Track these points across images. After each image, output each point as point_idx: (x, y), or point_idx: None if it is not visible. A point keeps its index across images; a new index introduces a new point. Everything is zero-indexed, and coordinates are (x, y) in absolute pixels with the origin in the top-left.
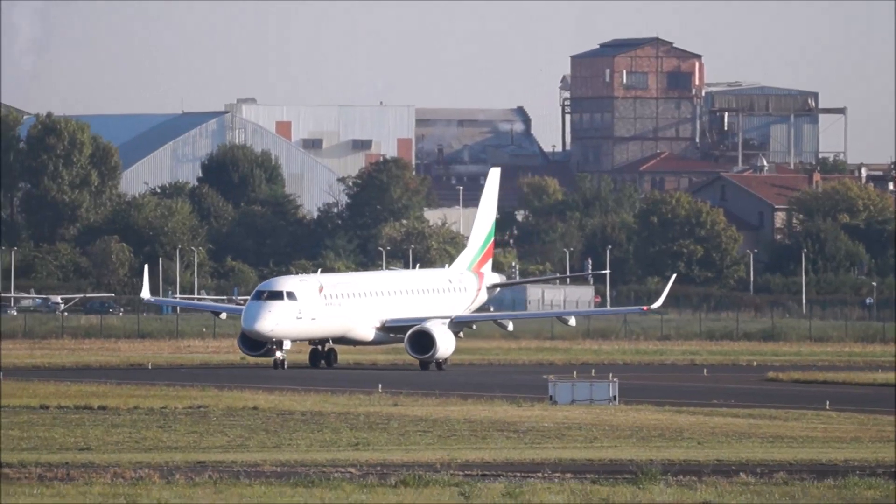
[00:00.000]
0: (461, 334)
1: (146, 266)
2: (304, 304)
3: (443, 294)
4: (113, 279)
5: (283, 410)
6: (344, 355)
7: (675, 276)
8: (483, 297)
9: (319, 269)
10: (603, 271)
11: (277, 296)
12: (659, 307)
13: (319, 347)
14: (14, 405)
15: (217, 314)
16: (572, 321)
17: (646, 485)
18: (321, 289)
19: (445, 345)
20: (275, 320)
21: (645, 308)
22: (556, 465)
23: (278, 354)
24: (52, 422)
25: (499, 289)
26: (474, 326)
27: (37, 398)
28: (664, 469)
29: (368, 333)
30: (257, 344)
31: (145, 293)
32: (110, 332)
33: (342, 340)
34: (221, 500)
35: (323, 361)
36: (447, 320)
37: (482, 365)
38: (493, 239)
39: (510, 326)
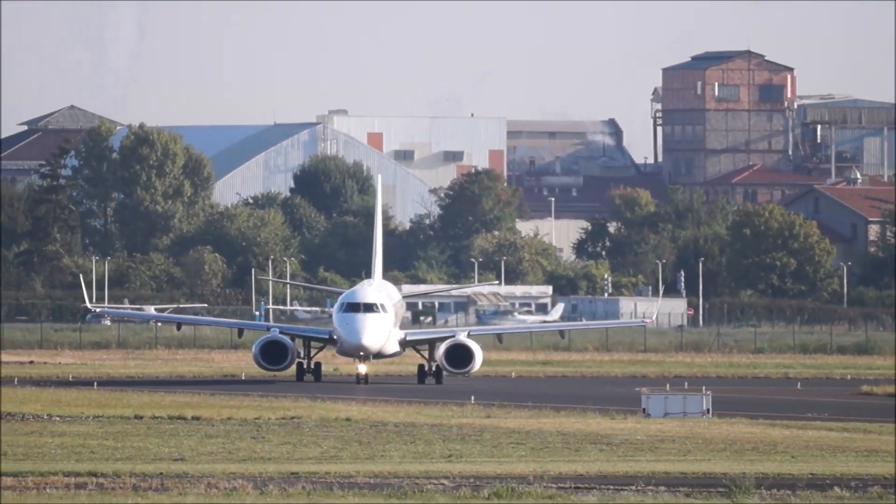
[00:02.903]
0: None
1: (81, 276)
2: (391, 317)
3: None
4: (206, 289)
5: (376, 421)
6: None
7: (663, 287)
8: None
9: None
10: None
11: (372, 308)
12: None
13: (305, 362)
14: (108, 415)
15: (178, 327)
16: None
17: (739, 498)
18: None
19: (480, 358)
20: (379, 334)
21: (648, 320)
22: (650, 478)
23: (362, 369)
24: (146, 432)
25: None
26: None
27: (131, 408)
28: (757, 483)
29: (395, 346)
30: (278, 357)
31: (89, 304)
32: (204, 342)
33: (376, 355)
34: None
35: (310, 375)
36: (466, 332)
37: (481, 378)
38: None
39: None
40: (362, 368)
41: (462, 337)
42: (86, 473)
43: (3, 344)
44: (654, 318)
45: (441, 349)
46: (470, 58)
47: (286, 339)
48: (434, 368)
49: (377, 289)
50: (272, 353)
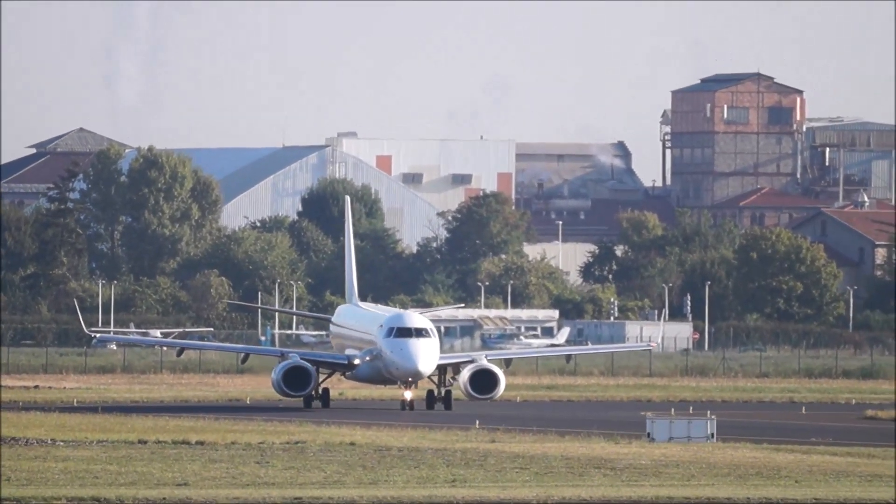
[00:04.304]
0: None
1: (76, 301)
2: (438, 342)
3: None
4: (212, 313)
5: (380, 446)
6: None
7: (669, 311)
8: None
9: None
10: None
11: (422, 333)
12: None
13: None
14: (112, 440)
15: (179, 353)
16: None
17: None
18: None
19: (504, 383)
20: (432, 359)
21: (652, 345)
22: (653, 503)
23: (408, 395)
24: (150, 457)
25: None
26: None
27: (135, 433)
28: None
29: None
30: (301, 383)
31: (86, 328)
32: (209, 367)
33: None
34: None
35: (318, 401)
36: (483, 356)
37: (485, 402)
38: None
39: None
40: (408, 395)
41: (486, 362)
42: (89, 499)
43: (6, 368)
44: (658, 342)
45: (465, 374)
46: (480, 80)
47: (308, 364)
48: (444, 393)
49: (418, 314)
50: (294, 379)
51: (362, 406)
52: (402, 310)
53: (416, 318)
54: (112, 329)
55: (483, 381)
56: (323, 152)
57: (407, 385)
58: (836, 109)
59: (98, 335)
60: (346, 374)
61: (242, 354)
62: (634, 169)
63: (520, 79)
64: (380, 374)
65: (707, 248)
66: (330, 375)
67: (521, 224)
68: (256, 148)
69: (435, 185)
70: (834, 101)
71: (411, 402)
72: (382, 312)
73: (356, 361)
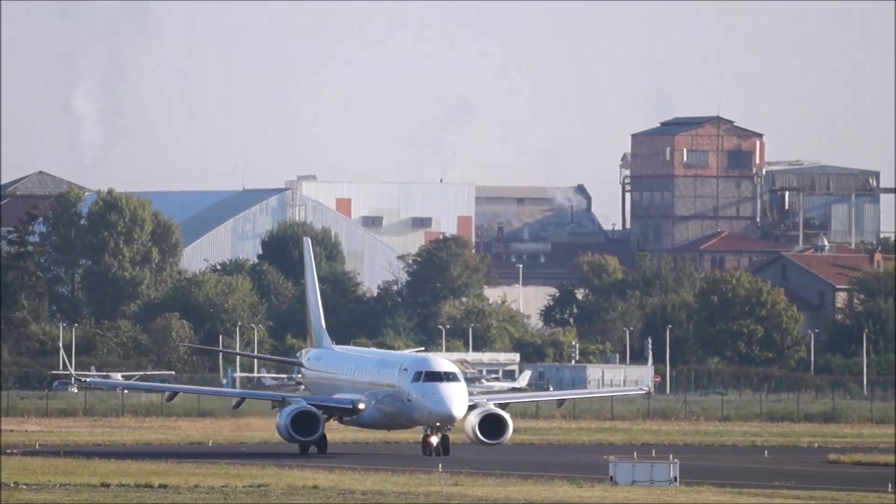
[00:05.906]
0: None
1: (60, 345)
2: (465, 385)
3: None
4: (173, 356)
5: (343, 489)
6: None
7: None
8: None
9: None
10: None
11: (452, 377)
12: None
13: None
14: (75, 483)
15: (171, 397)
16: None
17: None
18: None
19: (512, 428)
20: (464, 403)
21: (644, 389)
22: None
23: (434, 440)
24: (112, 500)
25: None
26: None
27: (98, 476)
28: None
29: None
30: (310, 427)
31: (74, 372)
32: (171, 410)
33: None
34: None
35: (314, 447)
36: (484, 399)
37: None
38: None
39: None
40: (434, 440)
41: (493, 406)
42: None
43: None
44: (649, 385)
45: (474, 419)
46: (440, 123)
47: (316, 409)
48: (441, 438)
49: (441, 357)
50: (302, 424)
51: (362, 451)
52: (422, 353)
53: (442, 361)
54: (72, 371)
55: (492, 425)
56: (283, 195)
57: (434, 430)
58: (796, 153)
59: (89, 379)
60: (345, 418)
61: (235, 399)
62: (594, 212)
63: (479, 121)
64: (387, 418)
65: (667, 292)
66: (326, 420)
67: (481, 267)
68: (216, 191)
69: (395, 228)
70: (793, 145)
71: (437, 446)
72: (386, 357)
73: (361, 406)
